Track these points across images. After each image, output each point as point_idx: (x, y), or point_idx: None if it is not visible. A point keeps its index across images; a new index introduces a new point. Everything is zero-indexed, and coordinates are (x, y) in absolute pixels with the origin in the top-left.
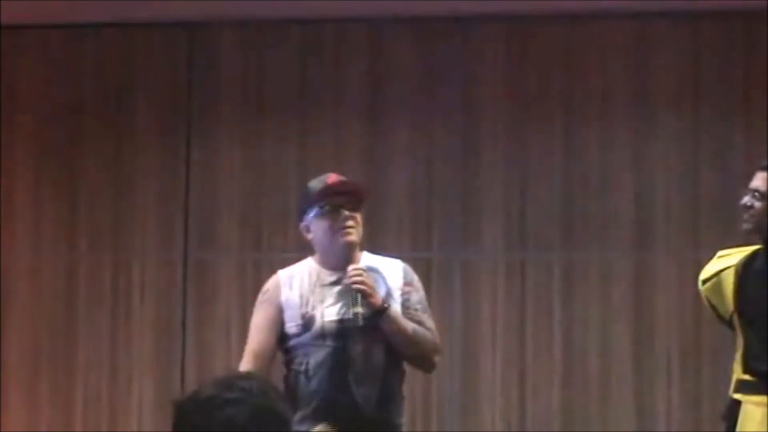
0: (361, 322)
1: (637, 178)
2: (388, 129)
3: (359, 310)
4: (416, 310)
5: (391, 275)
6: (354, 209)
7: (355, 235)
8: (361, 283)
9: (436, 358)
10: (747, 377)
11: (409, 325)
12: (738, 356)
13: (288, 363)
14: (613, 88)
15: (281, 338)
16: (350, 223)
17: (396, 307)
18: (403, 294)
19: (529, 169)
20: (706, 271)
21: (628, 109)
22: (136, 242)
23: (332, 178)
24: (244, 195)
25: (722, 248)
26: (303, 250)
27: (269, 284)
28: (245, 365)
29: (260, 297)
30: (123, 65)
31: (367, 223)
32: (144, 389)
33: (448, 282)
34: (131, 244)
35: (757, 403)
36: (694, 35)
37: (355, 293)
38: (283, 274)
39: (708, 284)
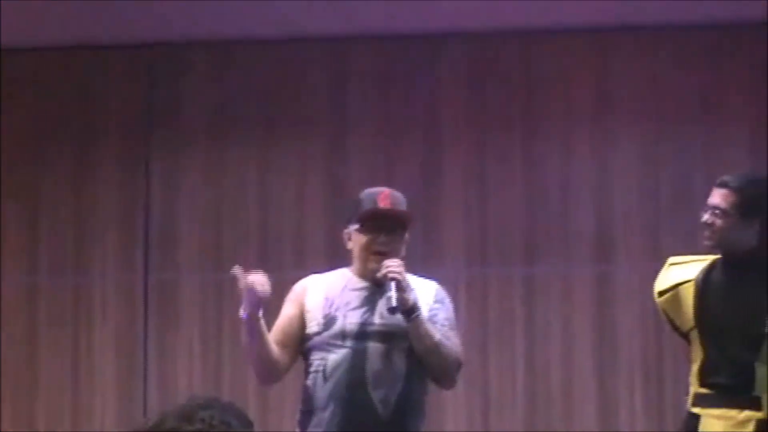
0: (393, 304)
1: (597, 191)
2: (350, 148)
3: (393, 294)
4: (443, 325)
5: (422, 292)
6: (395, 233)
7: (392, 263)
8: (398, 273)
9: (456, 376)
10: (706, 390)
11: (437, 335)
12: (695, 369)
13: (307, 367)
14: (573, 103)
15: (302, 340)
16: (385, 249)
17: (425, 316)
18: (431, 310)
19: (489, 184)
20: (662, 282)
21: (588, 122)
22: (96, 264)
23: (382, 199)
24: (204, 216)
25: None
26: (265, 270)
27: (298, 285)
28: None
29: (287, 298)
30: (84, 87)
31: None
32: (106, 412)
33: None
34: (92, 265)
35: (717, 416)
36: (653, 48)
37: (390, 281)
38: (313, 277)
39: (665, 297)
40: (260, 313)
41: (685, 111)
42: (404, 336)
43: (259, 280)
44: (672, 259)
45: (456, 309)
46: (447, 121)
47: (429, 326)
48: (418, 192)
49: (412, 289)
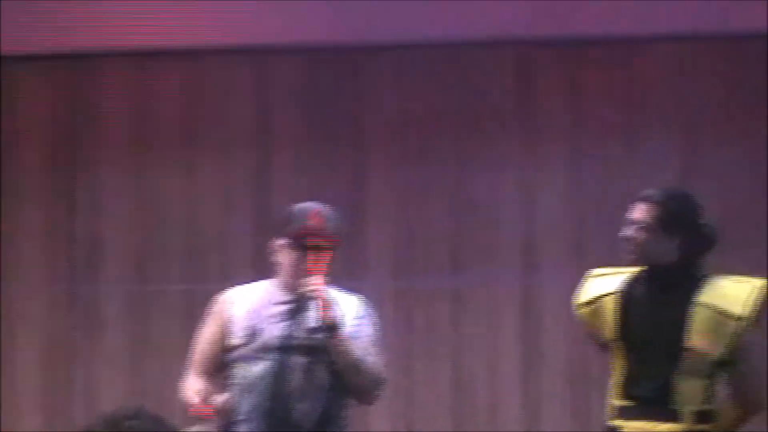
0: (315, 323)
1: (522, 201)
2: (276, 159)
3: (316, 313)
4: (365, 341)
5: (346, 307)
6: (323, 251)
7: (315, 280)
8: (320, 290)
9: (378, 393)
10: (626, 403)
11: (358, 352)
12: (616, 382)
13: (230, 377)
14: (499, 113)
15: (225, 351)
16: (312, 266)
17: (347, 332)
18: (354, 326)
19: (414, 195)
20: (584, 294)
21: (514, 133)
22: (21, 276)
23: (313, 216)
24: (129, 228)
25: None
26: (190, 281)
27: (220, 296)
28: (192, 377)
29: (211, 309)
30: (7, 97)
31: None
32: (32, 424)
33: None
34: (16, 277)
35: (638, 429)
36: (579, 58)
37: (313, 299)
38: (235, 290)
39: (587, 308)
40: None
41: (609, 119)
42: (327, 350)
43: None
44: (594, 271)
45: (382, 320)
46: (371, 131)
47: (350, 343)
48: (344, 202)
49: (335, 307)
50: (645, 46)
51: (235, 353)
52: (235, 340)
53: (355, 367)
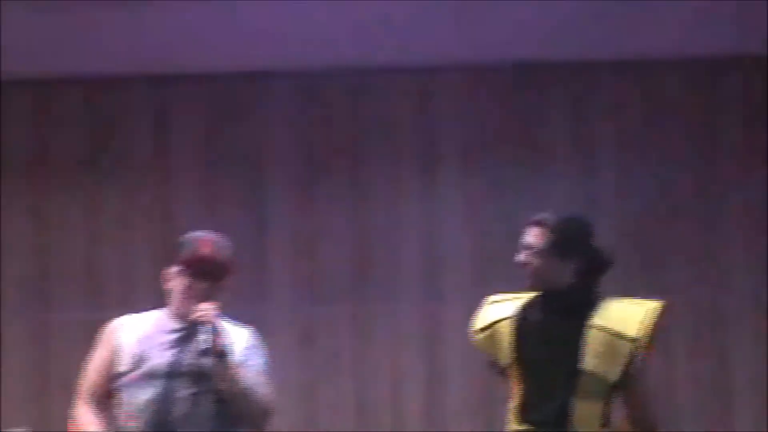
0: (203, 347)
1: (425, 230)
2: (175, 187)
3: (204, 337)
4: (255, 372)
5: (236, 337)
6: (214, 279)
7: (206, 307)
8: (211, 317)
9: (265, 422)
10: (524, 427)
11: (246, 381)
12: (513, 406)
13: (117, 404)
14: (400, 142)
15: (113, 379)
16: (202, 294)
17: (236, 360)
18: (244, 356)
19: (317, 224)
20: (481, 320)
21: (416, 163)
22: None
23: (204, 244)
24: (31, 257)
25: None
26: (94, 310)
27: (110, 325)
28: (81, 405)
29: (99, 338)
30: None
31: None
32: None
33: None
34: None
35: None
36: (476, 87)
37: (202, 325)
38: (126, 318)
39: (483, 334)
40: None
41: (511, 148)
42: (214, 378)
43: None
44: (491, 298)
45: (285, 349)
46: (274, 160)
47: (237, 371)
48: (245, 231)
49: (224, 334)
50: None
51: (122, 380)
52: (123, 367)
53: (243, 395)
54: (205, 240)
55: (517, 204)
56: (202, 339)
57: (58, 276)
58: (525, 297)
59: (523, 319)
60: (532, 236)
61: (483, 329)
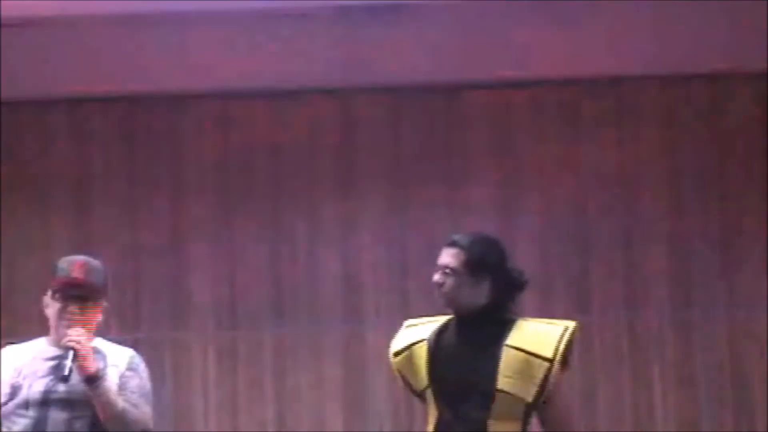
0: (66, 372)
1: (344, 251)
2: (95, 214)
3: (68, 363)
4: (133, 393)
5: (115, 359)
6: (87, 302)
7: (74, 332)
8: (77, 342)
9: None
10: None
11: (120, 403)
12: (430, 430)
13: None
14: (318, 162)
15: None
16: (75, 318)
17: (111, 384)
18: (122, 377)
19: (236, 245)
20: (397, 343)
21: (335, 185)
22: None
23: (76, 268)
24: None
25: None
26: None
27: None
28: None
29: None
30: None
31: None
32: None
33: (158, 361)
34: None
35: None
36: (394, 109)
37: (68, 350)
38: (6, 349)
39: (400, 357)
40: None
41: (429, 168)
42: (88, 403)
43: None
44: (408, 321)
45: (205, 372)
46: (191, 181)
47: (112, 395)
48: (165, 254)
49: (94, 358)
50: (464, 94)
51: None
52: (1, 398)
53: (119, 419)
54: (76, 263)
55: (435, 222)
56: (64, 365)
57: None
58: (441, 319)
59: (437, 341)
60: (447, 256)
61: (399, 352)
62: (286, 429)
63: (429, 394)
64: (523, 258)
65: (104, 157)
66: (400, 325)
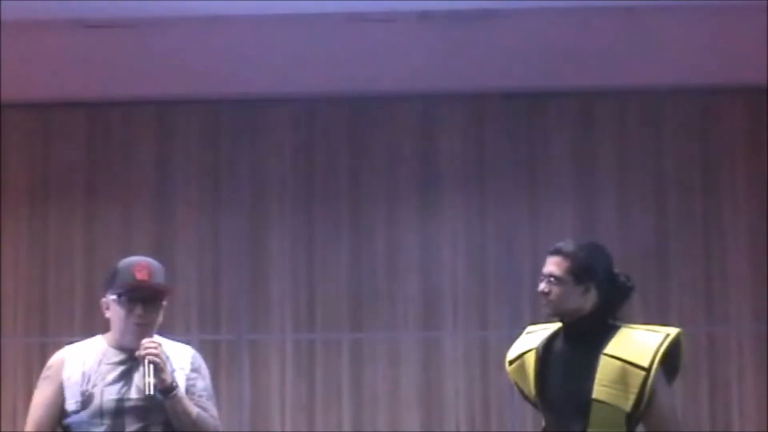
0: (152, 391)
1: (424, 257)
2: (176, 212)
3: (151, 380)
4: (201, 396)
5: (179, 361)
6: (152, 304)
7: (144, 332)
8: (156, 355)
9: None
10: None
11: (194, 409)
12: None
13: None
14: (399, 169)
15: (62, 416)
16: (142, 321)
17: (182, 391)
18: (189, 380)
19: (317, 249)
20: (513, 351)
21: (415, 189)
22: None
23: (139, 271)
24: (29, 278)
25: (522, 327)
26: (89, 333)
27: (53, 360)
28: None
29: (43, 373)
30: None
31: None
32: None
33: (237, 362)
34: None
35: None
36: (478, 116)
37: (148, 364)
38: (68, 351)
39: (513, 365)
40: None
41: (511, 177)
42: (162, 411)
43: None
44: (529, 328)
45: (283, 374)
46: (273, 187)
47: (186, 403)
48: (246, 257)
49: (168, 368)
50: (547, 100)
51: (71, 419)
52: (71, 406)
53: (194, 423)
54: (138, 265)
55: (515, 230)
56: (149, 382)
57: (55, 297)
58: (555, 326)
59: (546, 350)
60: (552, 265)
61: (513, 361)
62: (361, 430)
63: (539, 404)
64: None
65: (187, 161)
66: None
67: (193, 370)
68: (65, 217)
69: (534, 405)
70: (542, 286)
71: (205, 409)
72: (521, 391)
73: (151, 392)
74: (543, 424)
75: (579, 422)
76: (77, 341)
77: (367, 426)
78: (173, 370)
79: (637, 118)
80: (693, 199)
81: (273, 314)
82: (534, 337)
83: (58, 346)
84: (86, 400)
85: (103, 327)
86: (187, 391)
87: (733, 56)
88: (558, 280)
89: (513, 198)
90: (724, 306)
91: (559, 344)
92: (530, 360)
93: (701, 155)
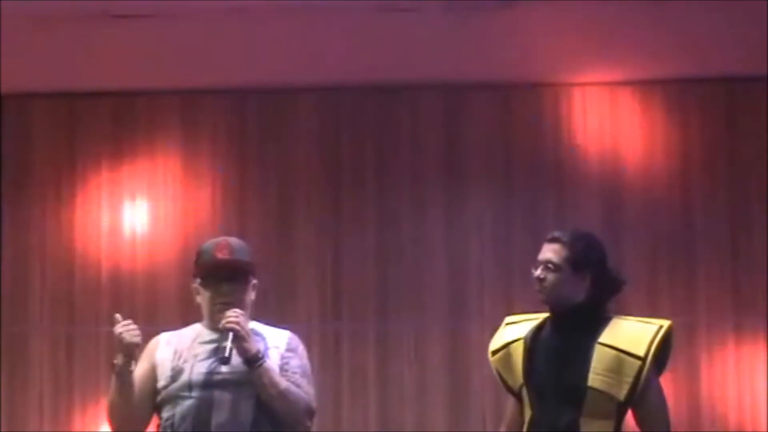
0: (227, 354)
1: (449, 246)
2: (203, 201)
3: (228, 344)
4: (295, 373)
5: (274, 341)
6: (237, 281)
7: (231, 314)
8: (236, 323)
9: (309, 423)
10: None
11: (283, 383)
12: (525, 429)
13: (159, 422)
14: (425, 158)
15: (154, 395)
16: (228, 299)
17: (272, 365)
18: (283, 358)
19: (342, 240)
20: (496, 342)
21: (441, 178)
22: None
23: (219, 249)
24: (55, 268)
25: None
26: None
27: (150, 342)
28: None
29: (141, 355)
30: None
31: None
32: None
33: None
34: None
35: None
36: (504, 105)
37: (227, 331)
38: (165, 333)
39: (497, 356)
40: (131, 365)
41: (536, 165)
42: (252, 384)
43: (127, 330)
44: (508, 319)
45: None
46: (298, 176)
47: (274, 375)
48: (272, 247)
49: (255, 339)
50: (572, 90)
51: (162, 395)
52: (162, 383)
53: (280, 398)
54: (219, 245)
55: (541, 218)
56: (224, 346)
57: (83, 288)
58: (540, 317)
59: (533, 339)
60: (548, 252)
61: (496, 351)
62: (387, 422)
63: (524, 393)
64: (629, 258)
65: (210, 149)
66: (503, 321)
67: (289, 350)
68: (92, 206)
69: (516, 395)
70: (537, 272)
71: (298, 386)
72: (504, 381)
73: (225, 355)
74: (527, 413)
75: (569, 411)
76: (103, 330)
77: (393, 415)
78: (266, 348)
79: (662, 107)
80: (718, 190)
81: (299, 303)
82: (518, 327)
83: (84, 335)
84: (175, 374)
85: (131, 317)
86: (281, 369)
87: (759, 46)
88: (555, 267)
89: (539, 186)
90: (752, 297)
91: (546, 334)
92: (518, 349)
93: (726, 144)
